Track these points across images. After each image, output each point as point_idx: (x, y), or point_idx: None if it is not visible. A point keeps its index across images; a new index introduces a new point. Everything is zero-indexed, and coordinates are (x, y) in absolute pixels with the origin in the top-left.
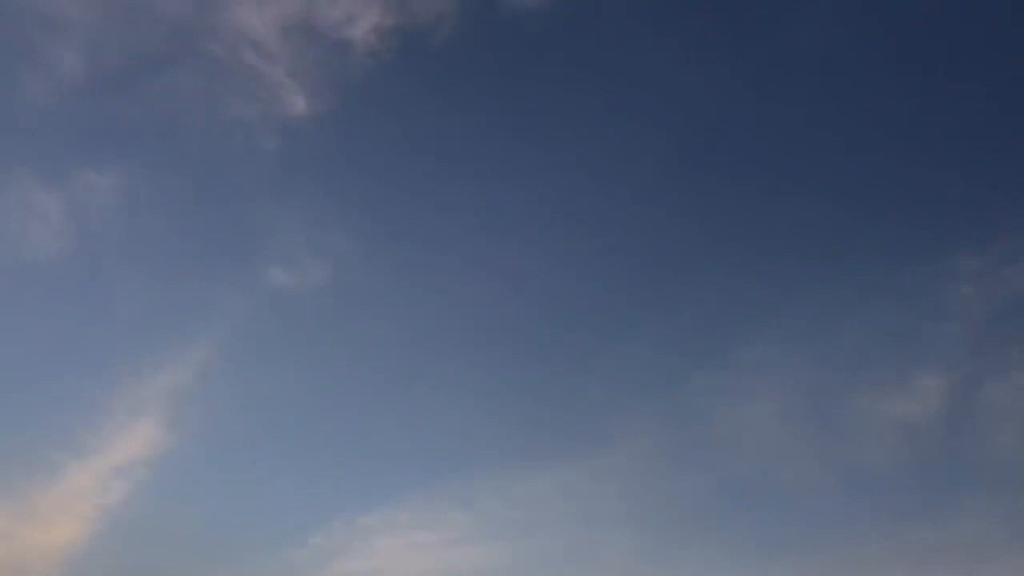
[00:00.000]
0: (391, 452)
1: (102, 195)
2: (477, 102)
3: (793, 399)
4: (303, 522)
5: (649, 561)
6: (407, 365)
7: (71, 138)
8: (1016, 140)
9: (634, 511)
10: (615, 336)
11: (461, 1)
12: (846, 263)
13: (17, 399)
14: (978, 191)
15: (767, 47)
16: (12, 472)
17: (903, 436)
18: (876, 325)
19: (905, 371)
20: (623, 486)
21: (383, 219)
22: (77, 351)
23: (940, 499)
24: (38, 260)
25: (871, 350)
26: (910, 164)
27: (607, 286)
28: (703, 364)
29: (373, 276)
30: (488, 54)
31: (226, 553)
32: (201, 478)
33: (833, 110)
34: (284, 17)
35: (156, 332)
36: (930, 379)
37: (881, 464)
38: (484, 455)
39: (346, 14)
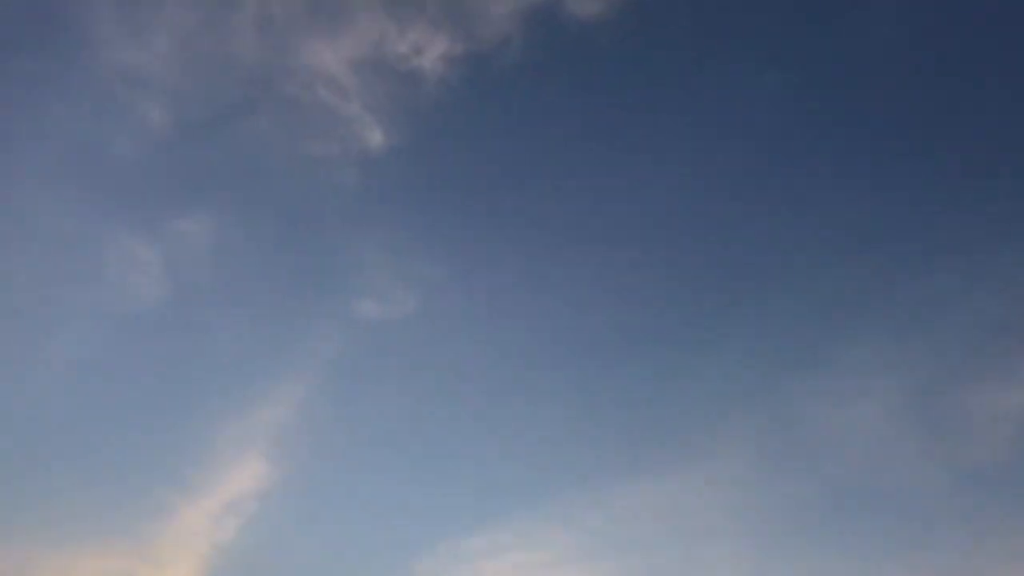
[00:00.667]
0: (490, 473)
1: (194, 241)
2: (549, 120)
3: (897, 396)
4: (408, 548)
5: (757, 571)
6: (500, 385)
7: (162, 188)
8: None
9: (738, 520)
10: (709, 341)
11: (525, 22)
12: (946, 250)
13: (127, 443)
14: None
15: (841, 45)
16: (128, 514)
17: (1016, 430)
18: (982, 314)
19: (1015, 361)
20: (726, 496)
21: (465, 243)
22: (181, 394)
23: None
24: (139, 308)
25: (978, 341)
26: (1008, 149)
27: (697, 291)
28: (801, 365)
29: (459, 300)
30: (556, 71)
31: None
32: (306, 510)
33: (923, 97)
34: (355, 53)
35: (255, 370)
36: None
37: (994, 460)
38: (584, 471)
39: (414, 45)
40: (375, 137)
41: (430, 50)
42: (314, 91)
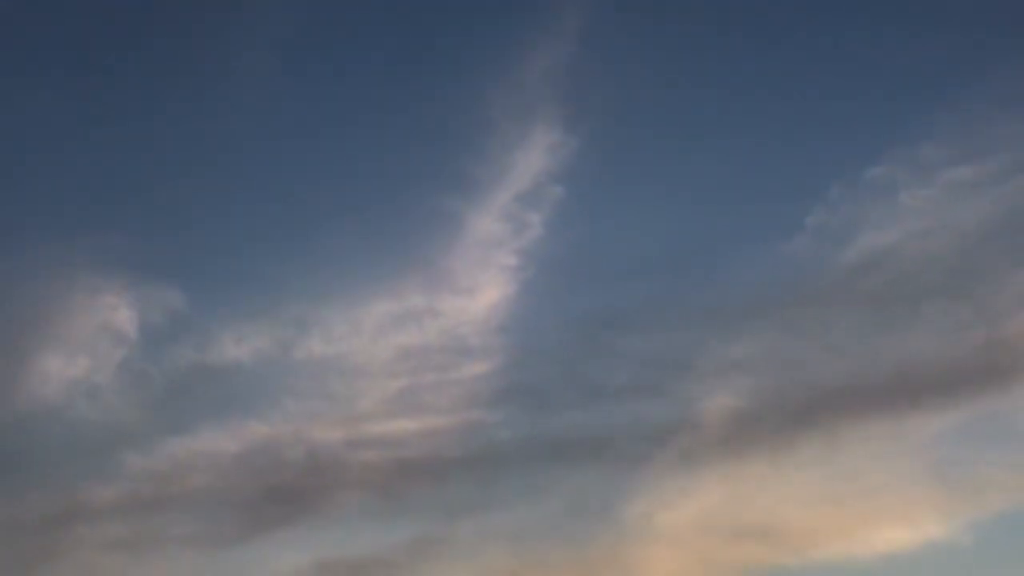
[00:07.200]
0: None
1: None
2: None
3: None
4: (794, 205)
5: None
6: None
7: None
8: None
9: None
10: None
11: None
12: None
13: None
14: None
15: None
16: (417, 227)
17: None
18: None
19: None
20: None
21: None
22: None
23: None
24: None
25: None
26: None
27: None
28: None
29: None
30: None
31: (696, 264)
32: (626, 178)
33: None
34: None
35: (493, 58)
36: None
37: None
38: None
39: None
40: None
41: None
42: None
